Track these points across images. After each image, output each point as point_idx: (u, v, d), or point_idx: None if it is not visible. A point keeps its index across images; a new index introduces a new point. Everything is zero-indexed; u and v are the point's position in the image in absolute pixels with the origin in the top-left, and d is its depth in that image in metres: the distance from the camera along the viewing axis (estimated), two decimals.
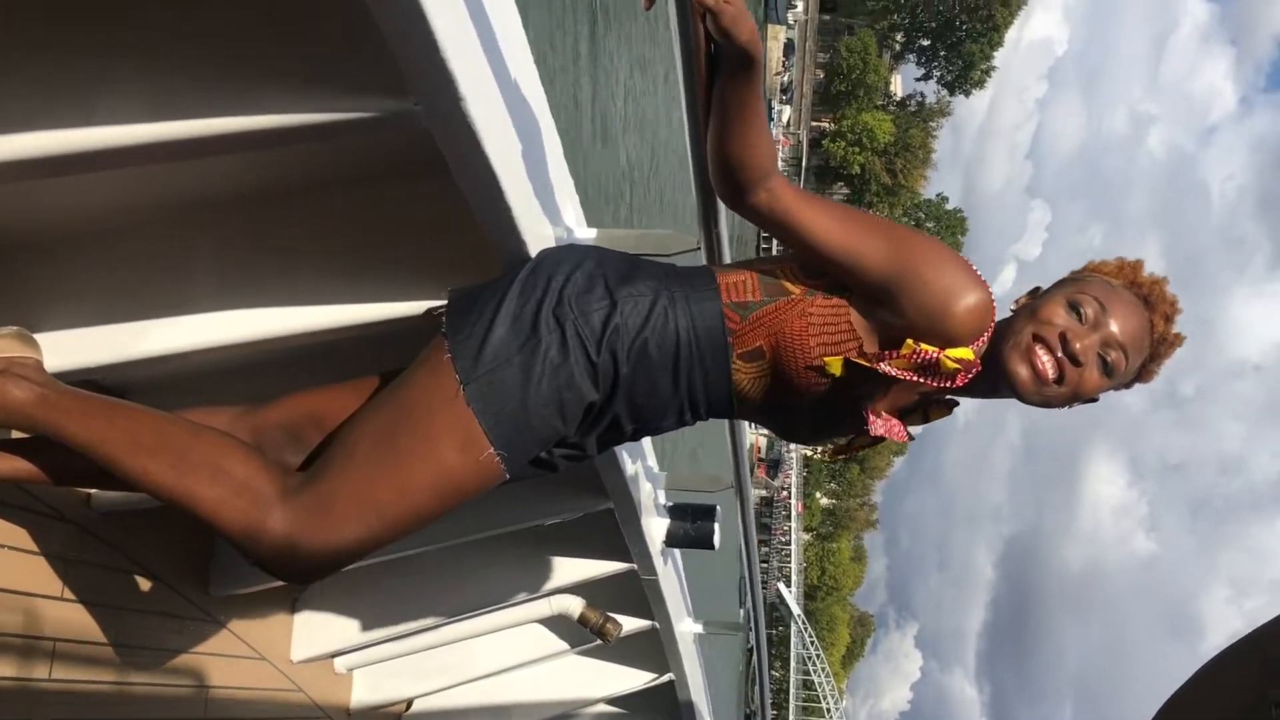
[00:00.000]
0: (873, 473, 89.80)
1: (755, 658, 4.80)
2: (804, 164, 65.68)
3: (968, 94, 66.64)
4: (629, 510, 2.67)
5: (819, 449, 1.80)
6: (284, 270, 1.73)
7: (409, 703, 3.61)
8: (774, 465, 68.81)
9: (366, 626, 2.98)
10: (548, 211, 1.70)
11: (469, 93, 1.27)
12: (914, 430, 1.70)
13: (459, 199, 1.52)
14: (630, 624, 3.44)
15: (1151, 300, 1.58)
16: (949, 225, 67.35)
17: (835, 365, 1.51)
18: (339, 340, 1.76)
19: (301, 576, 1.49)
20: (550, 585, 3.05)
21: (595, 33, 11.73)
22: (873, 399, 1.58)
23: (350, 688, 3.32)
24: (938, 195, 71.54)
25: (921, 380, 1.50)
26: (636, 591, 3.26)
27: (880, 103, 68.09)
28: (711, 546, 3.18)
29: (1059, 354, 1.52)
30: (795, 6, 65.76)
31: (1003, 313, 1.58)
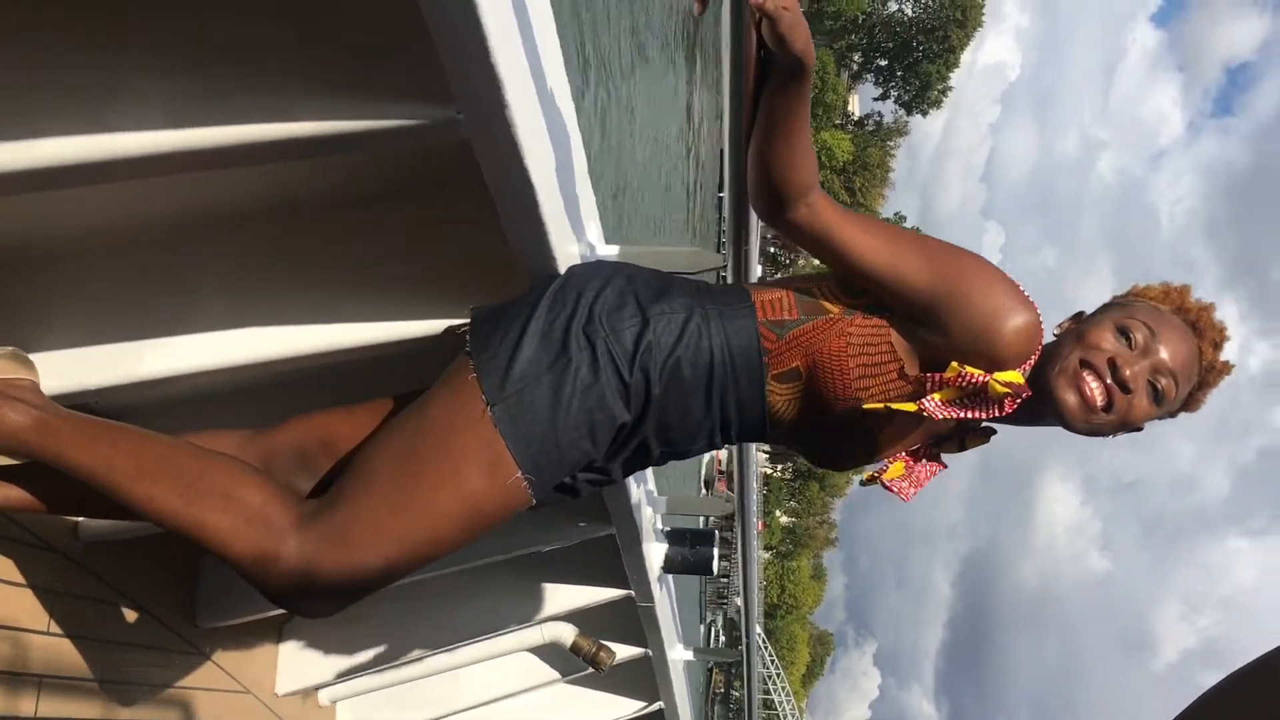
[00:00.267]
0: (832, 490, 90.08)
1: (746, 689, 4.72)
2: None
3: (925, 113, 67.73)
4: (631, 535, 2.59)
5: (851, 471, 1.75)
6: (295, 286, 1.64)
7: None
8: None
9: (353, 658, 2.88)
10: (574, 227, 1.63)
11: (514, 99, 1.20)
12: (947, 459, 1.65)
13: (484, 213, 1.45)
14: (623, 652, 3.35)
15: (1200, 327, 1.53)
16: None
17: (876, 407, 1.45)
18: (352, 360, 1.66)
19: (316, 610, 1.41)
20: (543, 613, 2.96)
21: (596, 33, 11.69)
22: (911, 429, 1.54)
23: None
24: (895, 214, 72.49)
25: (966, 416, 1.44)
26: (631, 618, 3.17)
27: (839, 122, 68.94)
28: (710, 572, 3.11)
29: (1108, 380, 1.46)
30: None
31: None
